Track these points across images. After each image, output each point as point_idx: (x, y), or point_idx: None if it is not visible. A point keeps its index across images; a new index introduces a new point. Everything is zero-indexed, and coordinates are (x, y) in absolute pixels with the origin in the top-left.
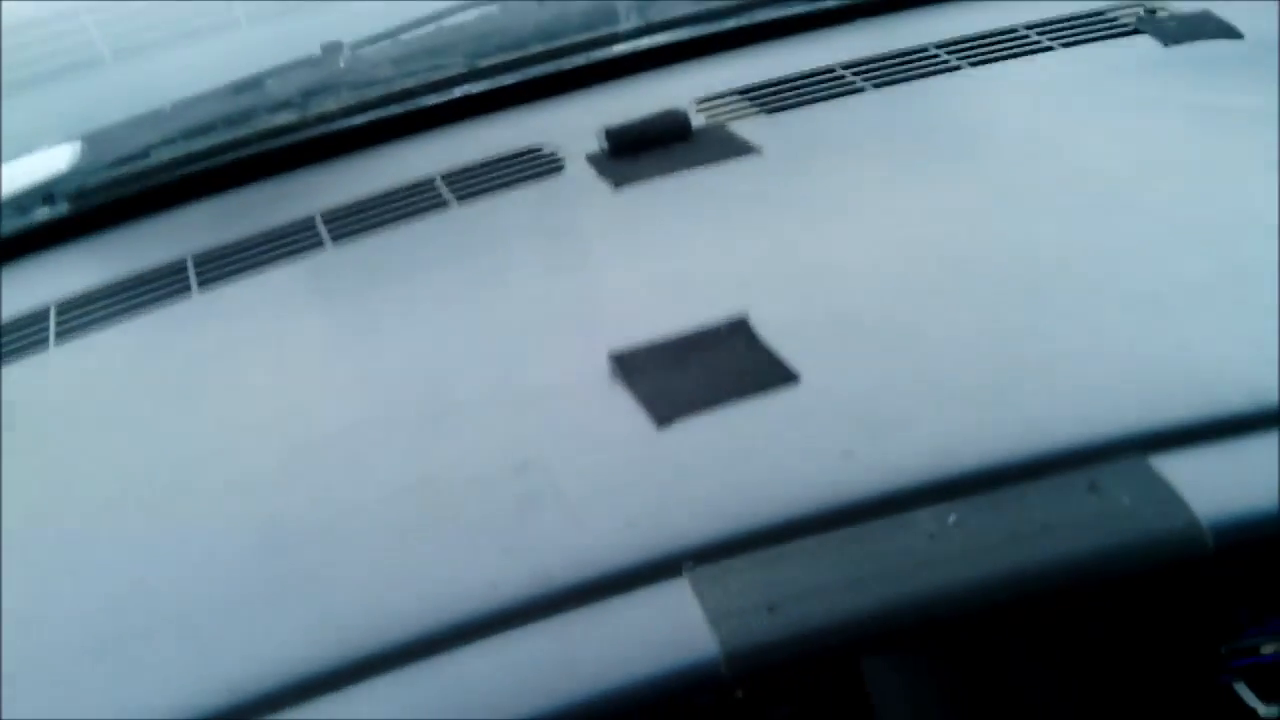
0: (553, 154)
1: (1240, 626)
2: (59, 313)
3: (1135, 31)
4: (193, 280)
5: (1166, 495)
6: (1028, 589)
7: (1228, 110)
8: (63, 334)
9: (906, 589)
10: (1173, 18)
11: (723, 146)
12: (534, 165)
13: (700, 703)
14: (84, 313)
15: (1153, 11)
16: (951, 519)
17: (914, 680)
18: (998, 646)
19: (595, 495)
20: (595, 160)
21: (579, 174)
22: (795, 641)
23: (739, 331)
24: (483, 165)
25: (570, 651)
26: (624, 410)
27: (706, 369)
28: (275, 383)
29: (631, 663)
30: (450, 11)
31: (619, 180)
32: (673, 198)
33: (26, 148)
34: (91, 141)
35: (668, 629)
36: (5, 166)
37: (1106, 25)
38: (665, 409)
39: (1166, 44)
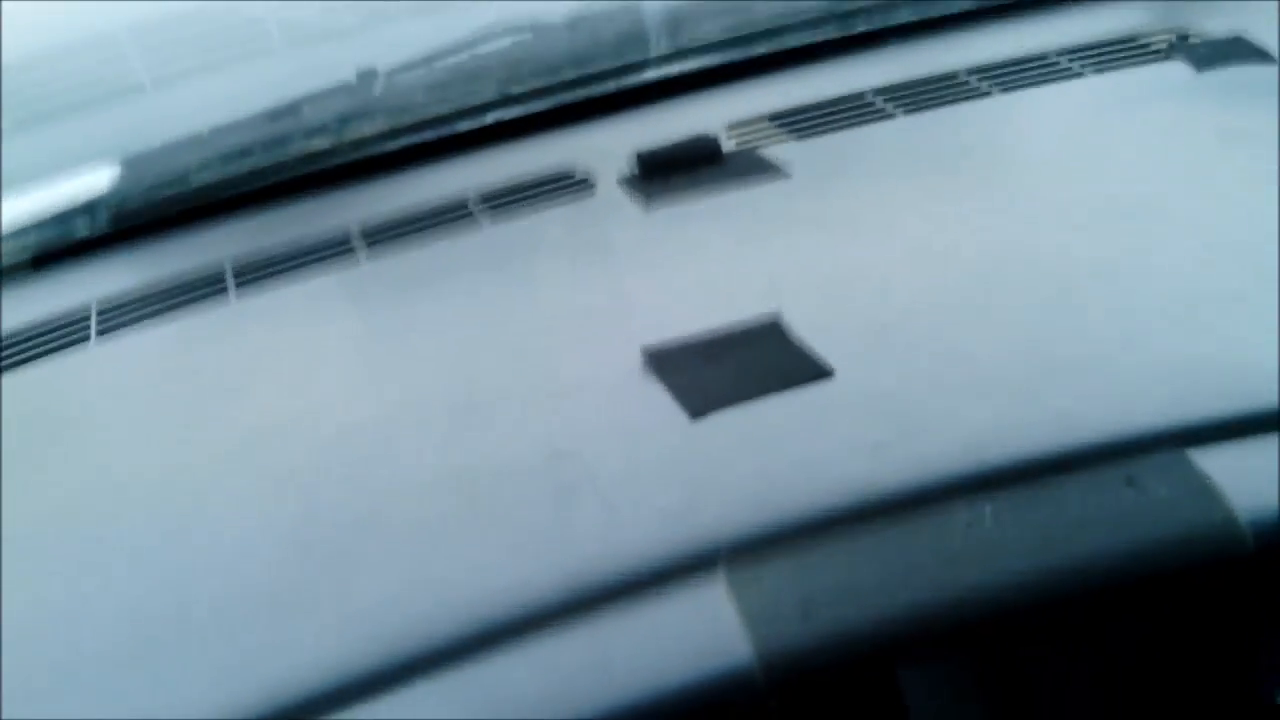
0: (584, 176)
1: None
2: (100, 311)
3: (1167, 57)
4: (230, 286)
5: (1206, 490)
6: (1063, 587)
7: (1261, 135)
8: (104, 332)
9: (942, 589)
10: (1205, 43)
11: (753, 170)
12: (566, 187)
13: (734, 709)
14: (124, 312)
15: (1185, 37)
16: (987, 513)
17: (951, 692)
18: (1034, 653)
19: (630, 486)
20: (626, 182)
21: (610, 195)
22: (831, 646)
23: (771, 329)
24: (515, 187)
25: (604, 656)
26: (657, 403)
27: (739, 365)
28: (310, 383)
29: (666, 667)
30: (484, 38)
31: (650, 201)
32: (703, 218)
33: (68, 169)
34: (131, 164)
35: (702, 632)
36: (47, 187)
37: (1138, 51)
38: (699, 402)
39: (1199, 69)
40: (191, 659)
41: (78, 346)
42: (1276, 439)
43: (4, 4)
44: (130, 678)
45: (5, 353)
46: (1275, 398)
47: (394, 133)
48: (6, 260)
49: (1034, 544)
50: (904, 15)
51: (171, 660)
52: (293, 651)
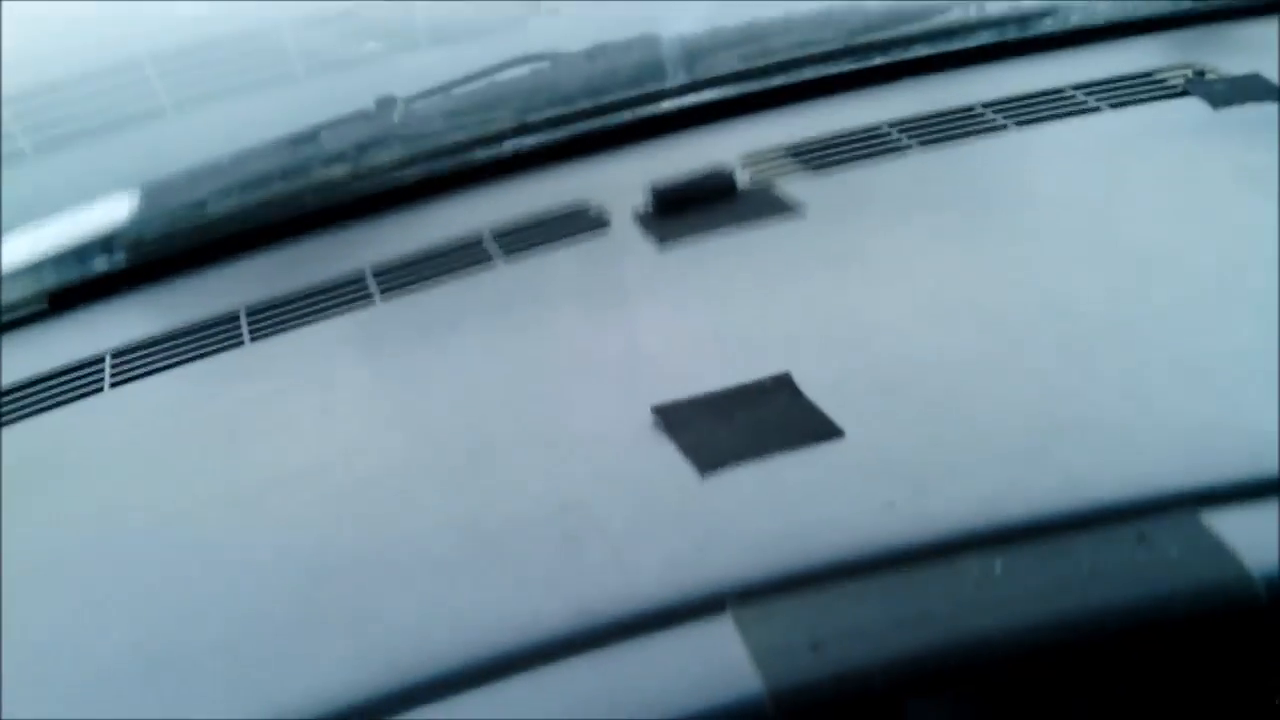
0: (599, 212)
1: None
2: (114, 359)
3: (1184, 94)
4: (245, 331)
5: (1217, 548)
6: (1075, 635)
7: (1277, 173)
8: (117, 381)
9: (953, 631)
10: (1222, 80)
11: (768, 206)
12: (580, 223)
13: None
14: (139, 360)
15: (1201, 73)
16: (998, 565)
17: None
18: (1045, 696)
19: (638, 536)
20: (641, 218)
21: (624, 232)
22: (840, 681)
23: (783, 387)
24: (530, 223)
25: (613, 688)
26: (667, 459)
27: (750, 423)
28: (324, 428)
29: (675, 700)
30: (502, 67)
31: (664, 239)
32: (717, 258)
33: (87, 197)
34: (149, 192)
35: (711, 666)
36: (65, 216)
37: (1155, 87)
38: (709, 459)
39: (1216, 106)
40: (203, 692)
41: (93, 395)
42: None
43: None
44: (140, 709)
45: (21, 401)
46: None
47: (411, 160)
48: (22, 299)
49: (1045, 593)
50: (920, 49)
51: (184, 692)
52: (302, 681)
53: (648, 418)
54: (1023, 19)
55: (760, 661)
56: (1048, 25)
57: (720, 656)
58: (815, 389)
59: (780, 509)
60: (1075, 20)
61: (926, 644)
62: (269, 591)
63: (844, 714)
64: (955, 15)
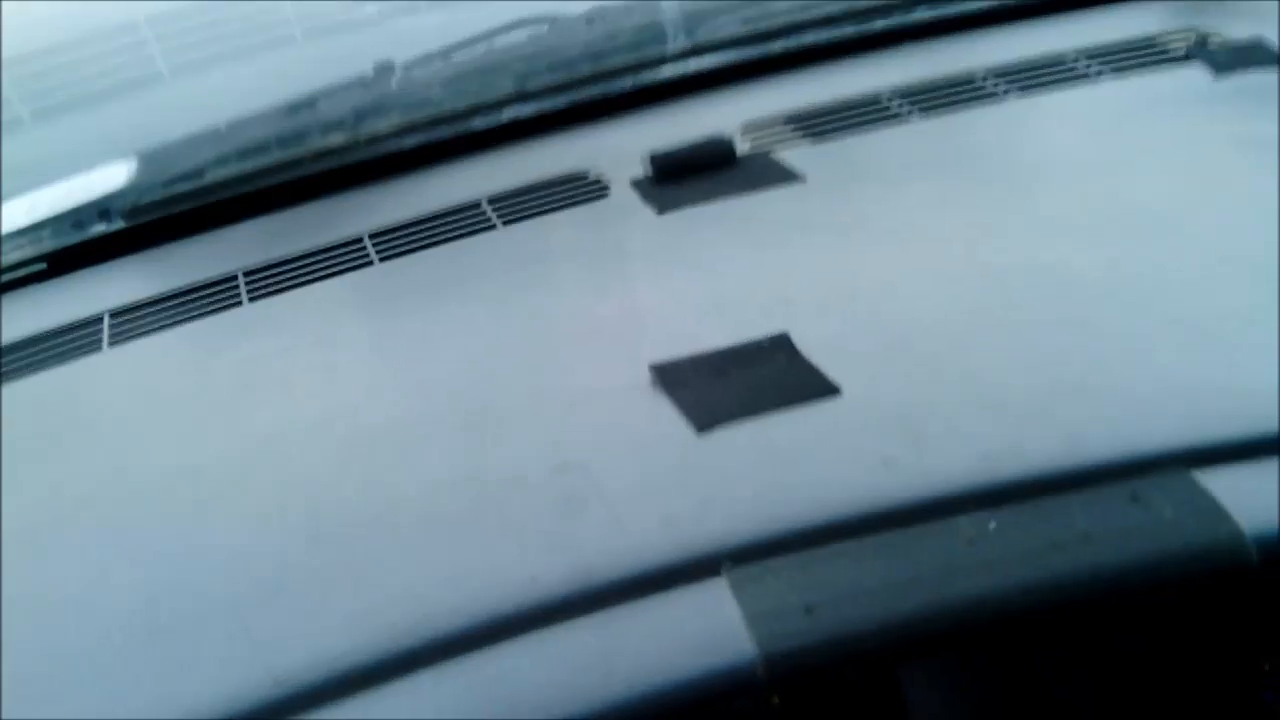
0: (598, 179)
1: None
2: (112, 318)
3: (1186, 60)
4: (243, 292)
5: (1210, 507)
6: (1067, 596)
7: (1277, 140)
8: (116, 339)
9: (945, 594)
10: (1225, 46)
11: (767, 174)
12: (579, 190)
13: (736, 707)
14: (137, 319)
15: (1204, 40)
16: (992, 525)
17: (951, 692)
18: (1036, 660)
19: (635, 495)
20: (640, 186)
21: (623, 199)
22: (834, 645)
23: (780, 346)
24: (529, 189)
25: (608, 651)
26: (664, 417)
27: (747, 381)
28: (322, 386)
29: (669, 664)
30: (501, 31)
31: (663, 206)
32: (716, 224)
33: (85, 163)
34: (147, 159)
35: (705, 629)
36: (63, 182)
37: (1157, 53)
38: (706, 416)
39: (1218, 72)
40: (204, 651)
41: (91, 353)
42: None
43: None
44: (143, 668)
45: (20, 359)
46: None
47: (410, 128)
48: (21, 261)
49: (1037, 554)
50: (921, 15)
51: (184, 651)
52: (303, 643)
53: (645, 378)
54: None
55: (754, 625)
56: None
57: (714, 620)
58: (813, 349)
59: (777, 466)
60: None
61: (918, 608)
62: (263, 554)
63: (837, 677)
64: None
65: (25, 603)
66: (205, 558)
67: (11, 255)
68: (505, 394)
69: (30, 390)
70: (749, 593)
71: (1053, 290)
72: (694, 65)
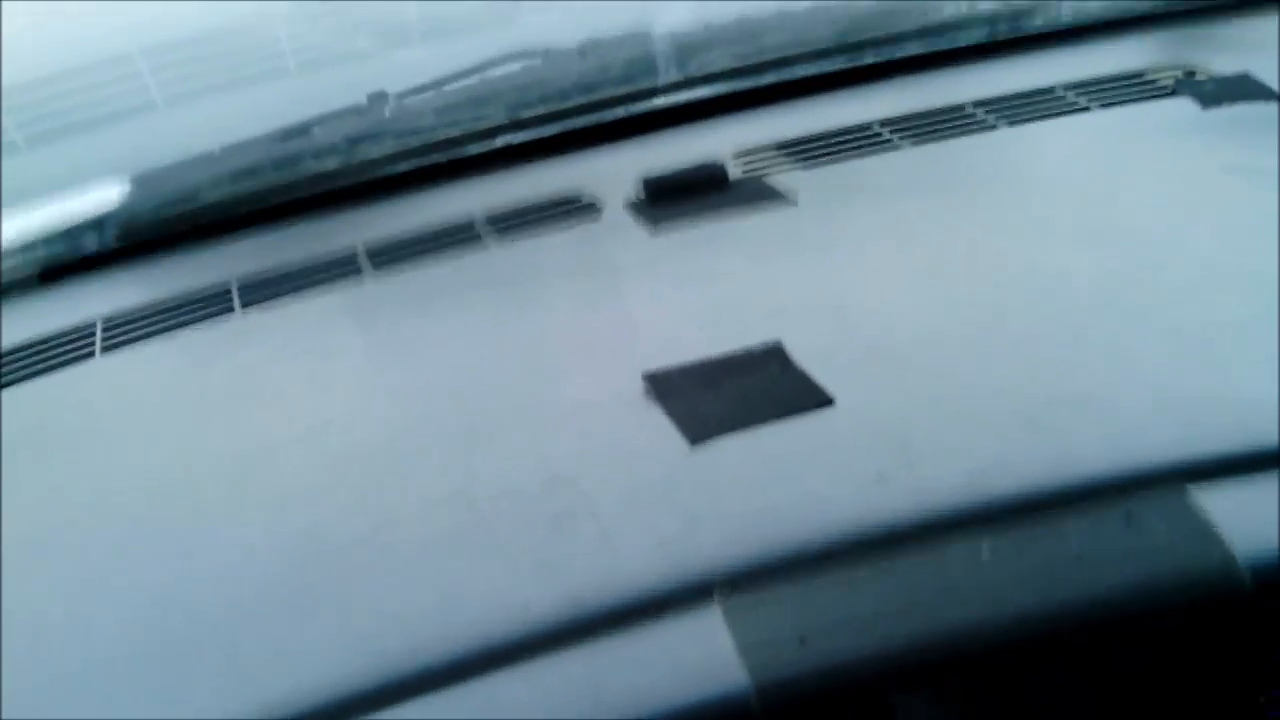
0: (591, 200)
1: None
2: (105, 327)
3: (1173, 94)
4: (236, 302)
5: (1204, 530)
6: (1062, 623)
7: (1265, 172)
8: (108, 347)
9: (940, 622)
10: (1211, 80)
11: (759, 196)
12: (572, 210)
13: None
14: (130, 328)
15: (1191, 74)
16: (985, 550)
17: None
18: (1031, 688)
19: (627, 512)
20: (633, 207)
21: (616, 219)
22: (827, 675)
23: (773, 356)
24: (522, 209)
25: (600, 680)
26: (657, 429)
27: (740, 391)
28: (314, 401)
29: (662, 694)
30: (494, 63)
31: (656, 225)
32: (708, 242)
33: (78, 186)
34: (141, 181)
35: (698, 659)
36: (56, 203)
37: (1144, 87)
38: (698, 428)
39: (1205, 106)
40: (192, 670)
41: (83, 361)
42: (1277, 477)
43: (20, 21)
44: (132, 686)
45: (10, 366)
46: (1276, 435)
47: (403, 154)
48: (14, 274)
49: (1031, 580)
50: (911, 48)
51: (172, 671)
52: (290, 666)
53: (637, 392)
54: (1014, 16)
55: (747, 655)
56: (1039, 22)
57: (707, 649)
58: (806, 363)
59: (770, 481)
60: (1067, 17)
61: (912, 637)
62: (253, 569)
63: (831, 708)
64: (947, 12)
65: (10, 619)
66: (191, 575)
67: (4, 267)
68: (497, 408)
69: (22, 397)
70: (742, 621)
71: (1045, 305)
72: (685, 95)
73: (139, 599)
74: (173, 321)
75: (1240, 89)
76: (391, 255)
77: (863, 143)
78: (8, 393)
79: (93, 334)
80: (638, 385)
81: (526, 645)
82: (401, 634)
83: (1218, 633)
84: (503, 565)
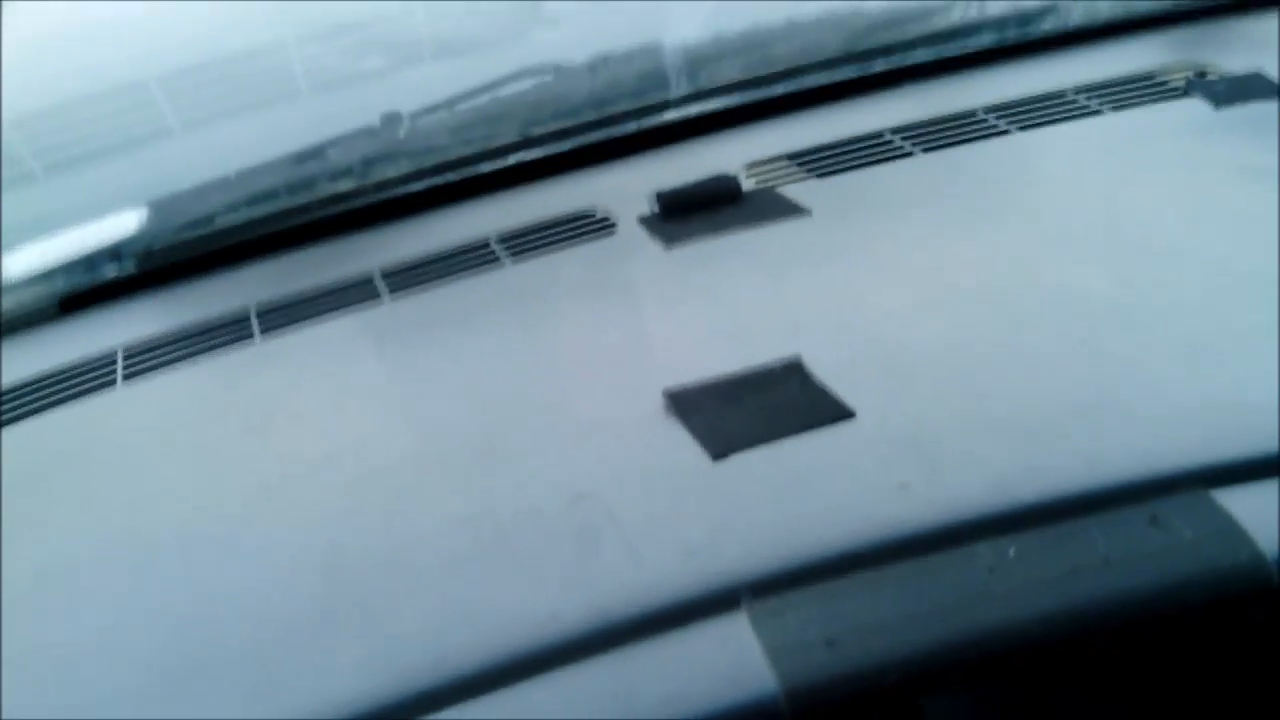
0: (605, 216)
1: None
2: (126, 356)
3: (1185, 94)
4: (255, 329)
5: (1230, 529)
6: (1089, 624)
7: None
8: (130, 375)
9: (967, 624)
10: (1223, 80)
11: (773, 208)
12: (587, 227)
13: None
14: (150, 356)
15: (1203, 74)
16: (1011, 552)
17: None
18: (1058, 689)
19: (652, 526)
20: (647, 222)
21: (631, 235)
22: (855, 678)
23: (793, 371)
24: (536, 227)
25: (629, 687)
26: (679, 445)
27: (761, 407)
28: (335, 424)
29: (691, 699)
30: (505, 81)
31: (670, 240)
32: (724, 256)
33: (95, 214)
34: (158, 206)
35: (726, 664)
36: (74, 230)
37: (1156, 88)
38: (720, 443)
39: (1217, 106)
40: (218, 693)
41: (105, 390)
42: None
43: (34, 48)
44: (165, 704)
45: (35, 396)
46: None
47: (417, 174)
48: (35, 303)
49: (1057, 581)
50: (921, 55)
51: (198, 693)
52: (321, 679)
53: (657, 408)
54: (1023, 19)
55: (775, 659)
56: (1049, 25)
57: (735, 654)
58: (825, 375)
59: (793, 493)
60: (1076, 19)
61: (940, 639)
62: (278, 594)
63: (860, 711)
64: (956, 17)
65: (36, 642)
66: (219, 598)
67: (25, 296)
68: (518, 427)
69: (45, 427)
70: (769, 626)
71: (1062, 314)
72: (697, 108)
73: (167, 623)
74: (193, 349)
75: (1253, 87)
76: (408, 277)
77: (875, 151)
78: (33, 422)
79: (114, 363)
80: (658, 402)
81: (555, 654)
82: (429, 647)
83: (1246, 630)
84: (529, 578)
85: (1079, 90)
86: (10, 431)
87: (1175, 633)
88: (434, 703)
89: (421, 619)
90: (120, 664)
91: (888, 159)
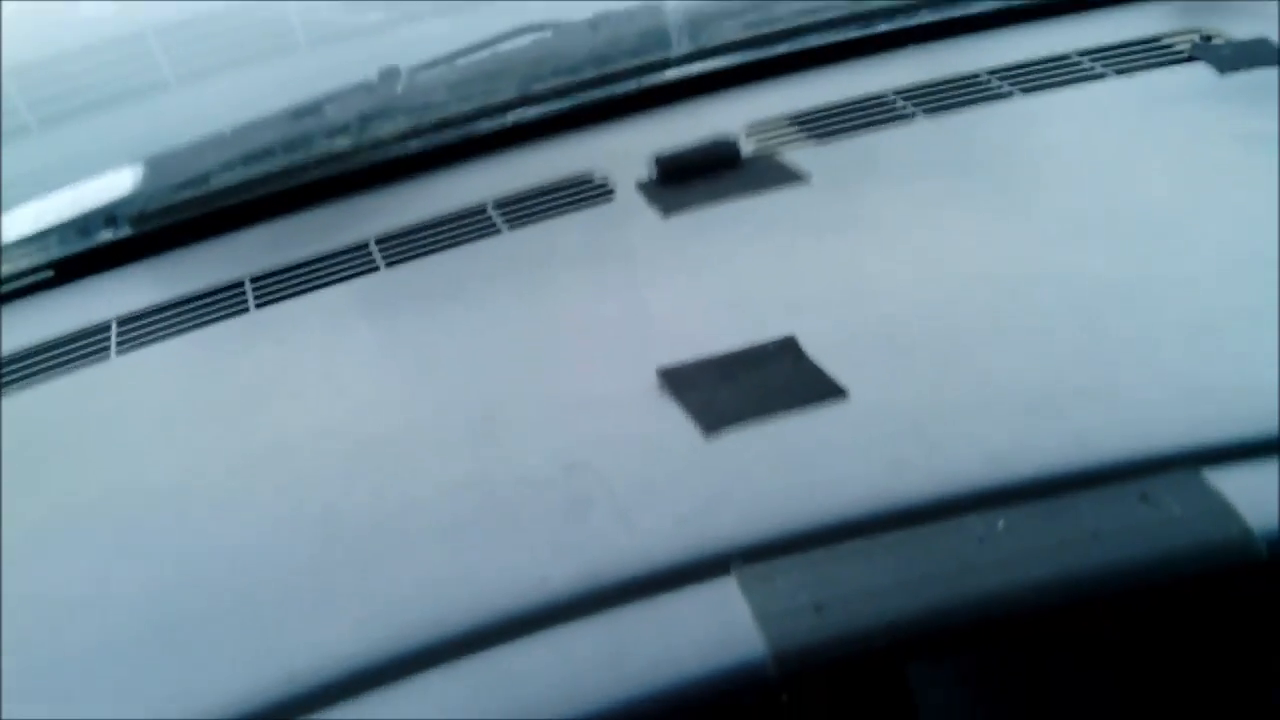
0: (603, 181)
1: None
2: (120, 325)
3: (1190, 59)
4: (250, 298)
5: (1219, 506)
6: (1077, 594)
7: None
8: (123, 347)
9: (955, 592)
10: (1229, 45)
11: (772, 174)
12: (584, 192)
13: (745, 704)
14: (144, 327)
15: (1208, 38)
16: (1001, 524)
17: (960, 690)
18: (1046, 659)
19: (644, 496)
20: (645, 188)
21: (628, 201)
22: (843, 642)
23: (787, 349)
24: (534, 192)
25: (618, 649)
26: (672, 420)
27: (755, 384)
28: (330, 390)
29: (680, 662)
30: (505, 38)
31: (668, 208)
32: (721, 225)
33: (91, 170)
34: (153, 165)
35: (716, 628)
36: (68, 189)
37: (1161, 52)
38: (713, 419)
39: (1222, 71)
40: (214, 651)
41: (98, 360)
42: None
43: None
44: (154, 668)
45: (28, 366)
46: None
47: (415, 132)
48: (29, 269)
49: (1047, 553)
50: (925, 16)
51: (195, 652)
52: (314, 642)
53: (653, 380)
54: None
55: (764, 623)
56: None
57: (724, 618)
58: (821, 350)
59: (785, 467)
60: None
61: (928, 606)
62: (275, 556)
63: (847, 676)
64: None
65: (36, 605)
66: (216, 560)
67: (18, 262)
68: (513, 396)
69: (38, 397)
70: (759, 591)
71: (1058, 290)
72: (697, 68)
73: (162, 588)
74: (187, 319)
75: (1259, 53)
76: (404, 246)
77: (877, 114)
78: (27, 392)
79: (108, 334)
80: (652, 374)
81: (545, 616)
82: (421, 608)
83: (1233, 604)
84: (521, 544)
85: (1083, 54)
86: (3, 402)
87: (1163, 606)
88: (425, 661)
89: (415, 580)
90: (114, 628)
91: (889, 121)
